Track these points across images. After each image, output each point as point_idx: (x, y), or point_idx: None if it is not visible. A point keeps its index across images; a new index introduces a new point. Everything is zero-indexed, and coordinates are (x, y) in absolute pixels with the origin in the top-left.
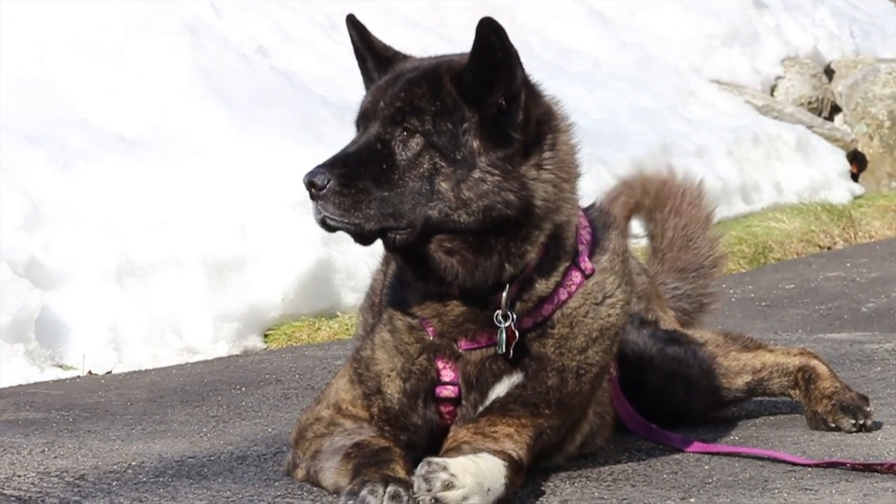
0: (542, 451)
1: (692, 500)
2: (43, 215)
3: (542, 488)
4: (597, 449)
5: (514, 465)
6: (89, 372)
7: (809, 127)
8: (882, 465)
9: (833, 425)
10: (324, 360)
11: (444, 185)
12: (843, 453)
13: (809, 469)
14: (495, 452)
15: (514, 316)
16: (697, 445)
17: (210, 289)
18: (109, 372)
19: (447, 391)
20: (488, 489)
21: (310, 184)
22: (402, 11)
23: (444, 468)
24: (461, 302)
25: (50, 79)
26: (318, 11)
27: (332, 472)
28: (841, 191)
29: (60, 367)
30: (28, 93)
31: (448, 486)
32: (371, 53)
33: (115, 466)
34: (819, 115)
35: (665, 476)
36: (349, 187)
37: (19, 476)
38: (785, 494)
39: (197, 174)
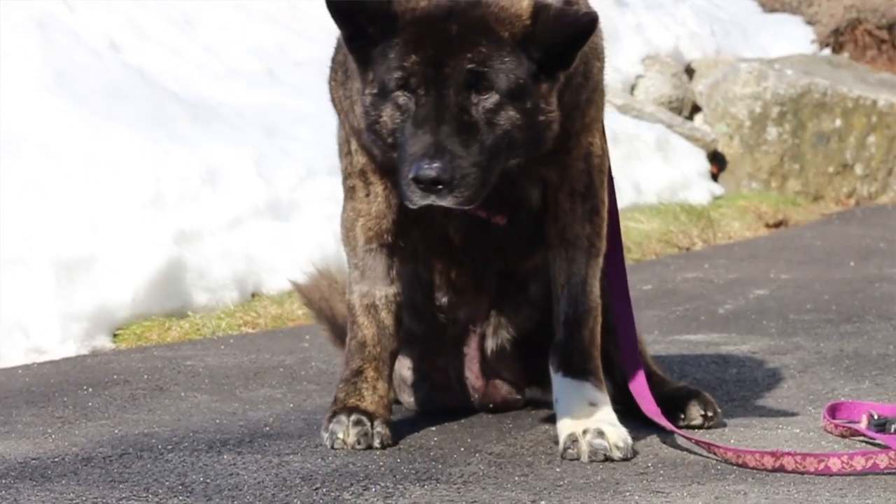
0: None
1: (542, 502)
2: None
3: (391, 490)
4: None
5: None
6: None
7: (669, 126)
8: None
9: None
10: (173, 361)
11: (518, 136)
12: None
13: (661, 471)
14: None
15: None
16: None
17: (59, 288)
18: None
19: None
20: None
21: (434, 181)
22: (257, 9)
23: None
24: None
25: None
26: (172, 7)
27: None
28: (701, 191)
29: None
30: None
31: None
32: (370, 17)
33: None
34: (679, 114)
35: (516, 478)
36: (463, 170)
37: None
38: (636, 497)
39: (48, 172)
